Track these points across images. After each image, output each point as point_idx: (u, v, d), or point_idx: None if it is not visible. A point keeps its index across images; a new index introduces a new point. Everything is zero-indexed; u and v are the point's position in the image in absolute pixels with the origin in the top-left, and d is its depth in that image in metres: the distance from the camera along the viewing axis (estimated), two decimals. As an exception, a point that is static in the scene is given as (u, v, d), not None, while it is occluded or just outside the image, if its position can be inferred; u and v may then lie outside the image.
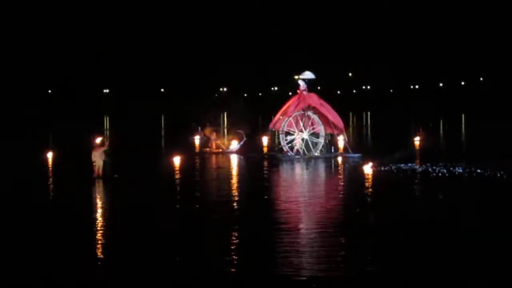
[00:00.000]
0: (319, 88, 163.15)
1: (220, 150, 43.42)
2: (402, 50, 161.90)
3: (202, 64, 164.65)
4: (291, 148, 40.77)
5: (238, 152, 42.14)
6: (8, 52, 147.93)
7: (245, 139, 43.42)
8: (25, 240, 18.73)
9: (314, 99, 41.48)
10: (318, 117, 41.01)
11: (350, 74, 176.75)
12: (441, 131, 67.13)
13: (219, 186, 29.81)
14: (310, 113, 41.08)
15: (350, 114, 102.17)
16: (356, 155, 39.99)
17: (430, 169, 32.78)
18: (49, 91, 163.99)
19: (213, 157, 41.66)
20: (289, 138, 41.09)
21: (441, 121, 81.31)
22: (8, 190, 27.88)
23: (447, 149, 45.87)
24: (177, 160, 37.40)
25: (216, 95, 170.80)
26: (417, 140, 50.18)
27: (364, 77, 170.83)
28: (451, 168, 32.68)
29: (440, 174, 31.35)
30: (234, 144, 42.93)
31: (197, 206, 24.16)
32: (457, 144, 49.37)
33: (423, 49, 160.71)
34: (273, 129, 42.76)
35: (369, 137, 63.57)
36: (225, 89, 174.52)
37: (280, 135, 41.07)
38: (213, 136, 44.54)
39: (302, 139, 40.82)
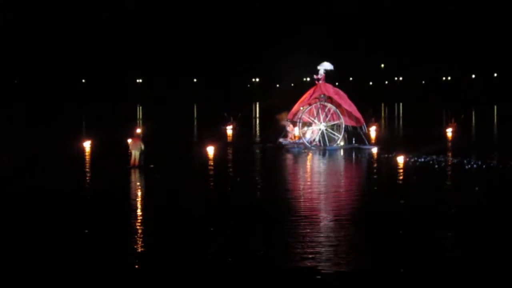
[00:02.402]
0: (351, 79, 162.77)
1: (297, 139, 42.02)
2: (435, 42, 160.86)
3: (235, 55, 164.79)
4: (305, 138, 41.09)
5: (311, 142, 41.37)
6: (43, 43, 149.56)
7: (320, 130, 42.52)
8: (60, 229, 19.00)
9: (328, 89, 41.85)
10: (336, 109, 41.20)
11: (382, 65, 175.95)
12: (473, 123, 66.88)
13: (250, 176, 30.19)
14: (328, 104, 41.35)
15: (382, 105, 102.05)
16: (370, 146, 40.23)
17: (465, 161, 32.83)
18: (83, 80, 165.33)
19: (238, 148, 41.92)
20: (306, 129, 41.49)
21: (473, 113, 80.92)
22: (46, 178, 28.38)
23: (479, 141, 45.80)
24: (210, 150, 37.85)
25: (248, 85, 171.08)
26: (449, 132, 50.20)
27: (396, 68, 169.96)
28: (485, 160, 32.75)
29: (475, 166, 31.42)
30: (309, 134, 42.24)
31: (230, 188, 24.58)
32: (489, 136, 49.19)
33: (456, 41, 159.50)
34: (291, 120, 42.58)
35: (400, 129, 63.51)
36: (257, 79, 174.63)
37: (298, 126, 41.28)
38: (290, 127, 42.94)
39: (320, 130, 41.20)
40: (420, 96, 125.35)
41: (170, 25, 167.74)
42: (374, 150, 39.25)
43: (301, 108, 41.92)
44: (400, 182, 28.03)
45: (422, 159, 33.42)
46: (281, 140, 42.00)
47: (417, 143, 40.49)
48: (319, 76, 41.72)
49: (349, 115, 41.62)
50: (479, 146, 41.59)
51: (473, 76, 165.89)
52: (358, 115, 41.72)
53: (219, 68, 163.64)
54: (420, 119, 69.80)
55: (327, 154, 38.27)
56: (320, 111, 41.38)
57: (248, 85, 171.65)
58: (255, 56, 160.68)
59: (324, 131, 41.14)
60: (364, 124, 42.02)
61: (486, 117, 73.17)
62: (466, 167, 31.29)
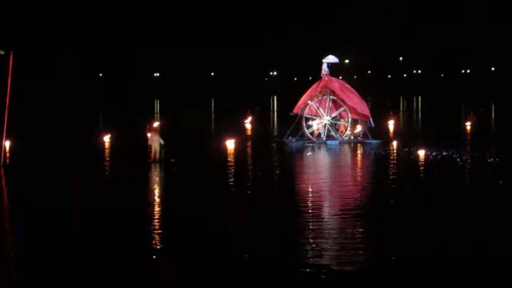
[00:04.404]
0: (369, 72, 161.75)
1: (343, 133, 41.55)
2: (452, 34, 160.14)
3: (251, 48, 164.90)
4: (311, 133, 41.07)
5: (360, 135, 41.47)
6: (60, 36, 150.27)
7: (370, 123, 42.37)
8: (77, 225, 18.99)
9: (334, 84, 41.71)
10: (342, 102, 41.07)
11: (400, 58, 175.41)
12: (493, 116, 66.52)
13: (271, 171, 30.25)
14: (333, 97, 41.25)
15: (401, 98, 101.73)
16: (375, 141, 40.06)
17: (487, 155, 32.65)
18: (100, 74, 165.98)
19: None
20: (310, 123, 41.48)
21: (493, 106, 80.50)
22: (65, 173, 28.47)
23: (499, 135, 45.56)
24: (229, 144, 37.89)
25: (266, 79, 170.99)
26: (468, 125, 49.98)
27: (415, 61, 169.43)
28: (506, 154, 32.60)
29: (497, 160, 31.26)
30: (359, 129, 41.99)
31: (249, 192, 24.63)
32: (509, 130, 48.84)
33: (474, 33, 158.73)
34: (296, 114, 42.43)
35: (419, 122, 63.30)
36: (275, 73, 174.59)
37: (304, 121, 41.23)
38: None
39: (324, 124, 41.17)
40: (438, 90, 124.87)
41: (187, 18, 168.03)
42: (378, 144, 39.06)
43: (309, 102, 41.77)
44: (417, 177, 27.93)
45: (444, 153, 33.32)
46: (332, 134, 41.40)
47: (433, 137, 40.39)
48: (323, 72, 41.56)
49: (353, 110, 41.22)
50: (498, 140, 41.36)
51: (492, 69, 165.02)
52: (364, 111, 41.37)
53: (237, 62, 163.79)
54: (438, 113, 69.45)
55: (337, 149, 38.07)
56: (328, 104, 41.28)
57: (266, 79, 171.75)
58: (272, 49, 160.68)
59: (328, 125, 41.11)
60: (371, 118, 41.62)
61: (505, 111, 72.65)
62: (489, 160, 31.15)
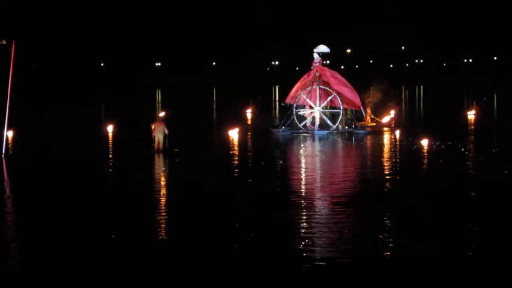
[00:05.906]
0: (371, 61, 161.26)
1: (374, 124, 41.90)
2: (456, 23, 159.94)
3: (253, 38, 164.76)
4: (301, 122, 41.05)
5: (387, 125, 41.62)
6: (62, 26, 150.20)
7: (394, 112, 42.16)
8: (81, 216, 18.88)
9: (325, 73, 41.65)
10: (333, 92, 40.98)
11: (402, 48, 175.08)
12: (495, 106, 66.38)
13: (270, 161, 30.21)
14: (324, 87, 41.16)
15: (403, 87, 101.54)
16: (362, 131, 39.94)
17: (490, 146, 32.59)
18: (102, 64, 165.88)
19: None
20: (301, 112, 41.40)
21: (495, 95, 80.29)
22: (69, 162, 28.46)
23: (502, 124, 45.44)
24: (231, 134, 37.84)
25: (268, 68, 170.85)
26: (471, 115, 49.83)
27: (417, 50, 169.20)
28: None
29: (500, 150, 31.17)
30: (387, 118, 42.12)
31: (250, 180, 24.58)
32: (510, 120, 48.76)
33: (478, 22, 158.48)
34: (288, 104, 42.47)
35: (421, 112, 63.20)
36: (276, 62, 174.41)
37: (294, 110, 41.15)
38: (369, 110, 42.37)
39: (315, 114, 41.13)
40: (441, 79, 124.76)
41: (189, 8, 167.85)
42: (363, 134, 38.96)
43: (301, 92, 41.64)
44: (419, 167, 27.84)
45: (448, 143, 33.20)
46: (353, 126, 41.05)
47: (435, 127, 40.32)
48: (316, 61, 41.51)
49: (344, 99, 41.06)
50: (502, 129, 41.27)
51: (495, 58, 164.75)
52: (355, 100, 41.24)
53: (238, 51, 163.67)
54: (440, 102, 69.32)
55: (328, 139, 37.88)
56: (319, 94, 41.16)
57: (268, 68, 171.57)
58: (274, 39, 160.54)
59: (318, 115, 40.98)
60: (362, 108, 41.54)
61: (508, 100, 72.53)
62: (493, 150, 31.06)
